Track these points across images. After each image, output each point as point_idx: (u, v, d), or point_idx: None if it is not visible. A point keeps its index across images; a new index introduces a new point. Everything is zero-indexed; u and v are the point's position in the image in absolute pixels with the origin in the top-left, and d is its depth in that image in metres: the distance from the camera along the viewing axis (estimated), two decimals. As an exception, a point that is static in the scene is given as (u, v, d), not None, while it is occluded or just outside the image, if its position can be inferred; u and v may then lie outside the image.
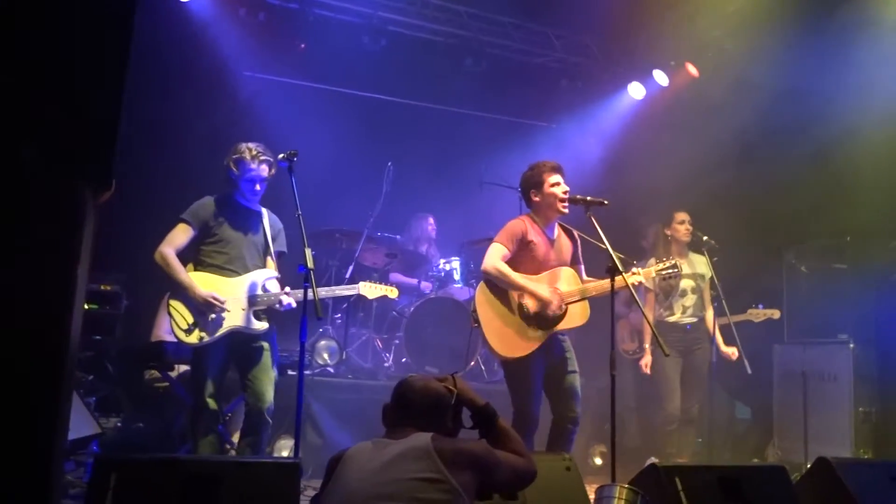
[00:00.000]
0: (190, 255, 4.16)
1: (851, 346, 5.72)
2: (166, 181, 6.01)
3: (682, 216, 5.71)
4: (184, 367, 5.10)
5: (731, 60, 6.72)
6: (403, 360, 6.26)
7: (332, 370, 5.85)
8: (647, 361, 5.64)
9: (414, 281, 6.83)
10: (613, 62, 7.86)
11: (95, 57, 2.52)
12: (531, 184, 4.25)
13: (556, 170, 4.22)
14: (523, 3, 7.21)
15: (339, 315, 6.45)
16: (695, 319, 5.70)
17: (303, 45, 6.88)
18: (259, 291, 4.10)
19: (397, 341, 6.34)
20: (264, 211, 4.29)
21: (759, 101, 6.32)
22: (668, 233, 5.73)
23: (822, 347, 5.93)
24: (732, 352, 5.53)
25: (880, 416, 5.56)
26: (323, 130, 6.60)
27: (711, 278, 5.65)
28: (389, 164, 6.56)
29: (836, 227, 5.99)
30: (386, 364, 6.37)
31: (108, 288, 5.86)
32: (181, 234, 4.08)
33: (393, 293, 4.52)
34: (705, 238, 5.61)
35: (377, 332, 6.61)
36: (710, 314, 5.72)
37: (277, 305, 4.07)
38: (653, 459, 5.43)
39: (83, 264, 2.72)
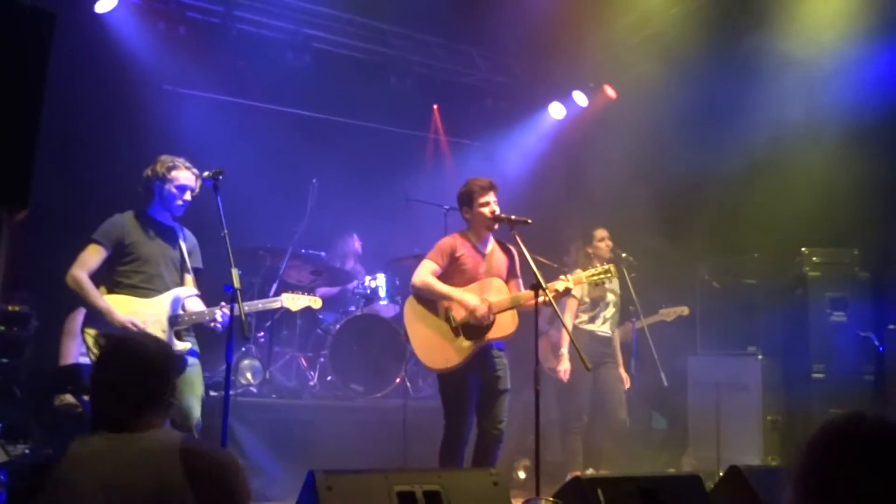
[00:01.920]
0: (103, 276, 4.00)
1: (760, 357, 6.00)
2: (76, 198, 5.80)
3: (601, 233, 5.88)
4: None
5: (647, 83, 6.99)
6: (328, 378, 6.20)
7: (255, 390, 5.75)
8: (565, 367, 5.56)
9: (335, 289, 6.80)
10: (535, 82, 8.06)
11: (12, 76, 2.45)
12: (463, 200, 4.37)
13: (487, 189, 4.31)
14: (448, 22, 7.31)
15: (263, 333, 6.35)
16: (610, 333, 5.87)
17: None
18: (180, 311, 3.98)
19: (322, 359, 6.29)
20: (178, 226, 4.18)
21: (675, 121, 6.61)
22: (590, 250, 5.89)
23: (733, 359, 6.19)
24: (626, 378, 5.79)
25: (786, 424, 5.84)
26: (246, 146, 6.50)
27: (627, 293, 5.83)
28: (314, 180, 6.52)
29: (745, 245, 6.29)
30: (311, 383, 6.30)
31: (17, 308, 5.60)
32: (93, 256, 3.91)
33: (316, 303, 4.48)
34: (623, 254, 5.80)
35: (301, 350, 6.53)
36: (625, 328, 5.92)
37: (212, 324, 3.93)
38: (575, 473, 5.55)
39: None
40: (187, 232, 4.22)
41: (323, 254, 7.00)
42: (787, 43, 6.19)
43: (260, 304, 4.34)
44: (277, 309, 4.62)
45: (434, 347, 4.13)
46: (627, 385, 5.78)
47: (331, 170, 6.86)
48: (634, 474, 3.50)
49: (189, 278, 4.13)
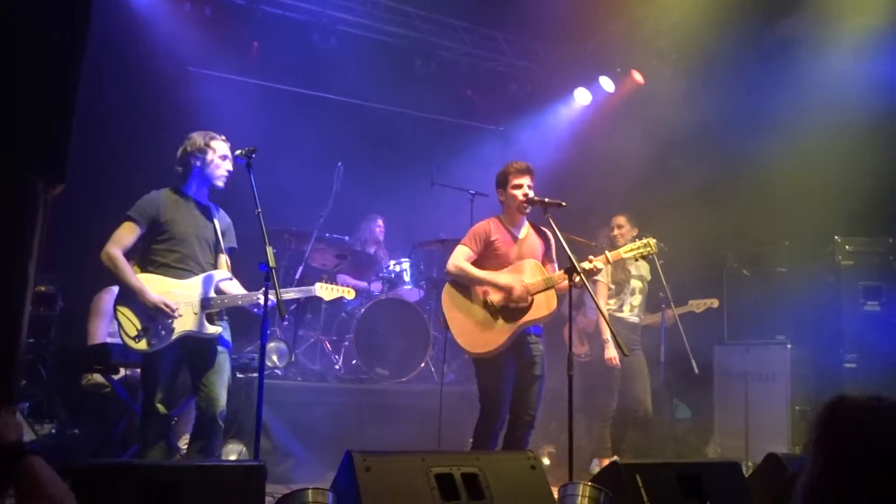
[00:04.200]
0: (138, 254, 3.97)
1: (789, 346, 5.94)
2: (101, 178, 5.80)
3: (618, 220, 5.81)
4: (125, 371, 4.92)
5: (675, 68, 6.90)
6: (353, 362, 6.19)
7: (280, 372, 5.73)
8: (612, 355, 5.52)
9: (364, 284, 6.77)
10: (561, 67, 7.97)
11: (50, 52, 2.42)
12: (498, 182, 4.34)
13: (524, 172, 4.27)
14: (473, 6, 7.25)
15: (287, 316, 6.33)
16: (637, 320, 5.82)
17: (256, 44, 6.75)
18: (212, 294, 3.91)
19: (346, 343, 6.26)
20: (213, 206, 4.12)
21: (704, 107, 6.50)
22: (612, 235, 5.83)
23: (761, 348, 6.13)
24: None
25: (815, 414, 5.75)
26: (271, 129, 6.47)
27: (656, 280, 5.76)
28: (339, 164, 6.48)
29: (775, 233, 6.20)
30: (335, 366, 6.28)
31: (44, 289, 5.60)
32: (128, 233, 3.83)
33: (350, 294, 4.44)
34: (652, 240, 5.71)
35: (326, 333, 6.52)
36: (654, 315, 5.86)
37: (256, 309, 3.84)
38: (603, 459, 5.52)
39: (34, 260, 2.60)
40: (222, 212, 4.16)
41: (347, 238, 6.97)
42: (820, 27, 6.08)
43: (294, 292, 4.30)
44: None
45: (474, 332, 4.10)
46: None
47: (356, 153, 6.82)
48: (673, 461, 3.45)
49: (223, 258, 4.07)
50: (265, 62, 6.99)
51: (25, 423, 4.81)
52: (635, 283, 5.80)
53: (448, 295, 4.23)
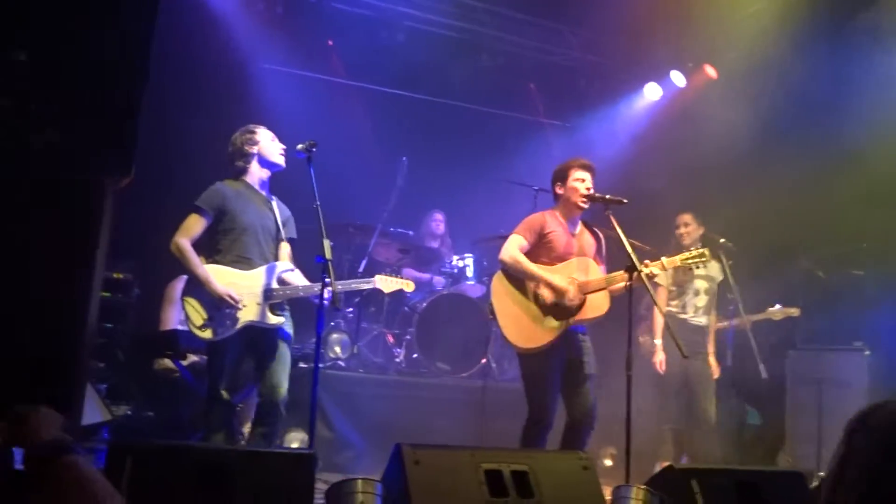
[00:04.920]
0: (204, 244, 4.09)
1: (867, 353, 5.67)
2: (177, 168, 5.99)
3: (683, 218, 5.64)
4: (194, 357, 5.09)
5: (749, 62, 6.65)
6: (414, 355, 6.24)
7: (343, 364, 5.83)
8: (661, 359, 5.45)
9: (427, 276, 6.81)
10: (630, 62, 7.80)
11: (120, 48, 2.52)
12: (557, 176, 4.28)
13: (585, 168, 4.21)
14: (540, 0, 7.17)
15: (351, 309, 6.43)
16: (703, 321, 5.65)
17: (330, 42, 6.87)
18: (275, 285, 4.01)
19: (408, 337, 6.32)
20: (274, 197, 4.22)
21: (777, 102, 6.26)
22: (678, 233, 5.68)
23: (837, 354, 5.87)
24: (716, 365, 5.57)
25: (895, 424, 5.48)
26: (337, 124, 6.58)
27: (725, 281, 5.59)
28: (404, 158, 6.53)
29: (853, 233, 5.92)
30: (397, 359, 6.35)
31: (120, 276, 5.85)
32: (195, 223, 3.98)
33: (409, 287, 4.47)
34: (722, 240, 5.55)
35: (388, 326, 6.59)
36: (714, 319, 5.68)
37: (321, 300, 3.85)
38: (662, 463, 5.39)
39: (102, 250, 2.70)
40: (281, 203, 4.26)
41: (410, 233, 7.03)
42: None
43: (353, 284, 4.38)
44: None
45: (521, 325, 4.05)
46: (717, 374, 5.56)
47: (420, 148, 6.86)
48: (731, 467, 3.35)
49: (284, 248, 4.17)
50: (335, 58, 7.09)
51: (103, 404, 5.04)
52: (700, 284, 5.62)
53: (499, 283, 4.16)
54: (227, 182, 4.12)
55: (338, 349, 5.78)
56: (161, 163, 5.97)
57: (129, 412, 5.49)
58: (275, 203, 4.21)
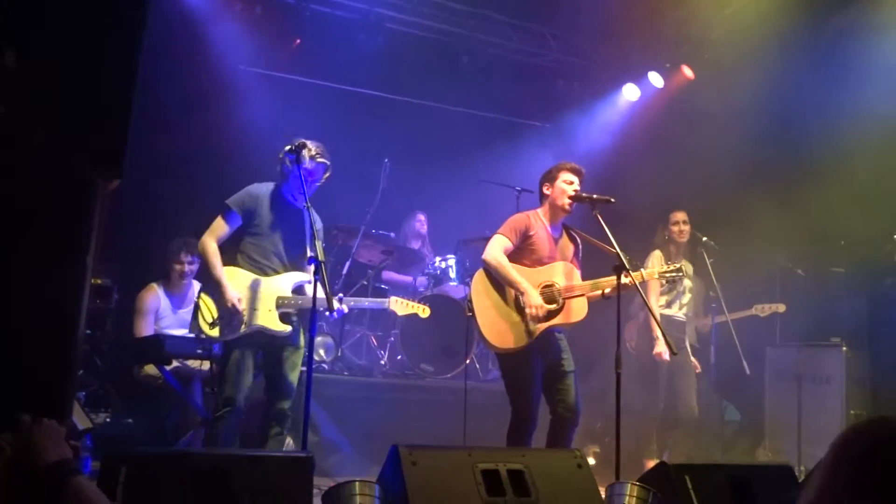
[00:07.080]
0: (229, 244, 4.12)
1: (844, 349, 5.77)
2: (153, 172, 5.91)
3: (677, 216, 5.71)
4: (176, 363, 5.02)
5: (727, 62, 6.74)
6: (399, 357, 6.23)
7: (327, 367, 5.80)
8: (661, 350, 5.40)
9: (409, 279, 6.79)
10: (609, 63, 7.86)
11: (109, 49, 2.49)
12: (546, 177, 4.30)
13: (575, 171, 4.25)
14: (520, 2, 7.19)
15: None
16: (685, 319, 5.71)
17: (297, 41, 6.82)
18: (289, 294, 4.06)
19: (392, 339, 6.31)
20: (309, 210, 4.16)
21: (756, 102, 6.34)
22: (666, 234, 5.73)
23: (815, 350, 5.97)
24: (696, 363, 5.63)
25: (872, 418, 5.58)
26: (318, 126, 6.47)
27: (708, 279, 5.66)
28: (386, 160, 6.52)
29: (831, 232, 6.02)
30: (381, 361, 6.33)
31: (100, 282, 5.75)
32: (225, 223, 4.06)
33: (425, 313, 4.47)
34: (704, 238, 5.62)
35: (372, 329, 6.57)
36: (704, 317, 5.74)
37: (327, 312, 3.81)
38: (648, 461, 5.44)
39: (91, 253, 2.66)
40: (315, 214, 4.20)
41: (392, 234, 7.01)
42: (880, 17, 5.86)
43: (367, 302, 4.48)
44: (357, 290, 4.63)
45: (498, 325, 4.03)
46: (698, 369, 5.62)
47: (403, 150, 6.84)
48: (724, 463, 3.39)
49: (317, 248, 4.13)
50: (314, 60, 7.04)
51: (82, 411, 4.95)
52: (687, 282, 5.70)
53: (481, 282, 4.13)
54: (266, 186, 4.16)
55: (322, 352, 5.75)
56: (139, 166, 5.87)
57: (108, 420, 5.41)
58: (308, 214, 4.16)
